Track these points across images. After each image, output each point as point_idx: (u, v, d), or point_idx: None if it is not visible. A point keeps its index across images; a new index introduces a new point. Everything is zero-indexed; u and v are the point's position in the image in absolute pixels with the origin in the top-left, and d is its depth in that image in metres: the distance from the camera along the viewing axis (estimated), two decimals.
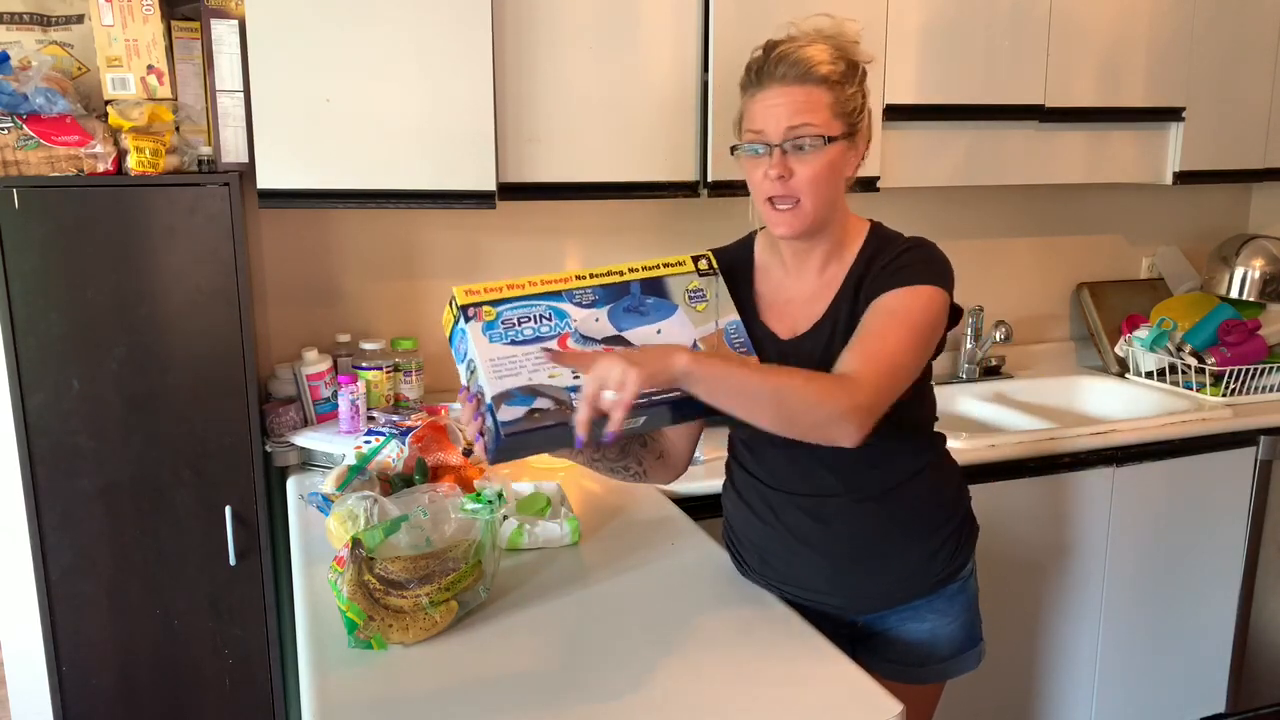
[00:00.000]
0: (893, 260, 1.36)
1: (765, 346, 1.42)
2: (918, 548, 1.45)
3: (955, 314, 1.39)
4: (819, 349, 1.37)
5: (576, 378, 1.24)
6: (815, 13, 1.39)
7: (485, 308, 1.27)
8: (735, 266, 1.48)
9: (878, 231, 1.43)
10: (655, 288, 1.36)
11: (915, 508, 1.44)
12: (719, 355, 1.31)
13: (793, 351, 1.39)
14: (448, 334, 1.30)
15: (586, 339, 1.29)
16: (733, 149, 1.40)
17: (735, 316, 1.40)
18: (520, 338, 1.26)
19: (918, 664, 1.50)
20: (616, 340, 1.31)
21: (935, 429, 1.52)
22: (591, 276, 1.33)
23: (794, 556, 1.46)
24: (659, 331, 1.33)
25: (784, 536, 1.46)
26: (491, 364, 1.23)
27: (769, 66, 1.33)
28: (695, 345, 1.34)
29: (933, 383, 1.48)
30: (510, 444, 1.22)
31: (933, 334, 1.34)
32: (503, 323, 1.27)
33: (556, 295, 1.31)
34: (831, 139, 1.32)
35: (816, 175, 1.32)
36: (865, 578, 1.46)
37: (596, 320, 1.31)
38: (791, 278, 1.45)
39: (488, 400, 1.22)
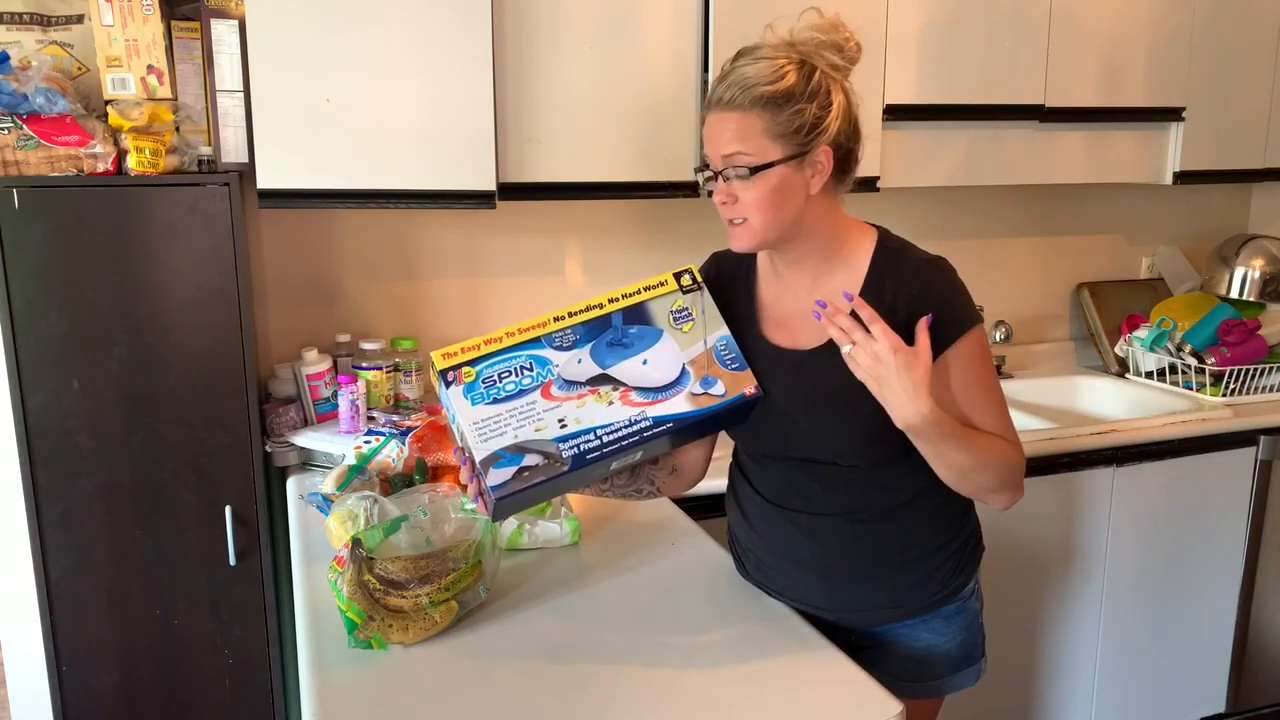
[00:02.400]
0: (919, 305, 1.28)
1: (765, 358, 1.37)
2: (912, 570, 1.41)
3: None
4: (832, 363, 1.31)
5: (563, 426, 1.25)
6: (806, 10, 1.32)
7: (464, 369, 1.26)
8: (737, 273, 1.45)
9: (885, 242, 1.36)
10: (637, 315, 1.32)
11: (912, 530, 1.40)
12: (953, 424, 1.27)
13: (802, 365, 1.35)
14: (438, 393, 1.29)
15: (570, 384, 1.27)
16: (697, 170, 1.37)
17: (725, 331, 1.35)
18: (503, 394, 1.25)
19: (912, 679, 1.47)
20: (602, 379, 1.28)
21: None
22: (570, 315, 1.31)
23: (788, 570, 1.45)
24: (645, 362, 1.30)
25: (778, 549, 1.45)
26: (475, 427, 1.23)
27: (715, 88, 1.30)
28: (684, 370, 1.31)
29: None
30: (505, 505, 1.23)
31: (993, 368, 1.37)
32: (483, 382, 1.25)
33: (535, 342, 1.28)
34: (763, 166, 1.26)
35: (759, 200, 1.27)
36: (857, 595, 1.43)
37: (579, 362, 1.29)
38: (789, 289, 1.40)
39: (477, 464, 1.22)
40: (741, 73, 1.27)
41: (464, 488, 1.30)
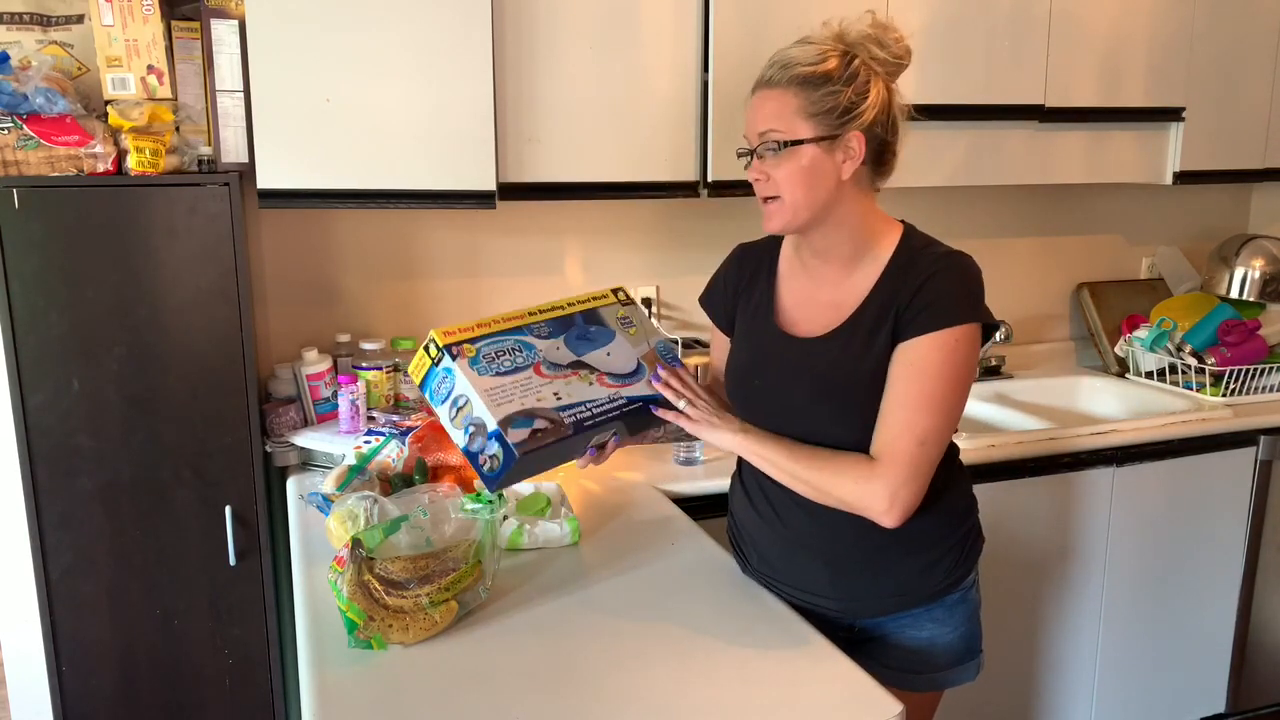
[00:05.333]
0: (919, 290, 1.33)
1: (776, 345, 1.43)
2: (918, 557, 1.44)
3: (987, 330, 1.39)
4: (836, 351, 1.37)
5: (559, 398, 1.36)
6: (865, 12, 1.37)
7: (465, 345, 1.35)
8: (760, 265, 1.51)
9: (909, 238, 1.41)
10: (593, 318, 1.49)
11: (920, 518, 1.38)
12: (762, 438, 1.40)
13: (810, 352, 1.40)
14: (419, 379, 1.37)
15: (556, 366, 1.40)
16: (739, 154, 1.43)
17: (662, 337, 1.53)
18: (503, 369, 1.35)
19: (914, 671, 1.49)
20: (579, 365, 1.42)
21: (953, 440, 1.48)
22: (541, 312, 1.45)
23: (794, 557, 1.46)
24: (609, 354, 1.45)
25: (785, 536, 1.46)
26: (488, 394, 1.31)
27: (762, 71, 1.36)
28: (639, 365, 1.46)
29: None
30: (521, 464, 1.30)
31: (966, 377, 1.34)
32: (483, 357, 1.35)
33: (519, 330, 1.41)
34: (794, 142, 1.32)
35: (788, 177, 1.33)
36: (864, 583, 1.45)
37: (558, 349, 1.42)
38: (814, 280, 1.44)
39: (492, 427, 1.29)
40: (786, 54, 1.34)
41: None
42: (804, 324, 1.43)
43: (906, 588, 1.45)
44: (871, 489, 1.31)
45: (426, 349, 1.35)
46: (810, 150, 1.32)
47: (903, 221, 1.43)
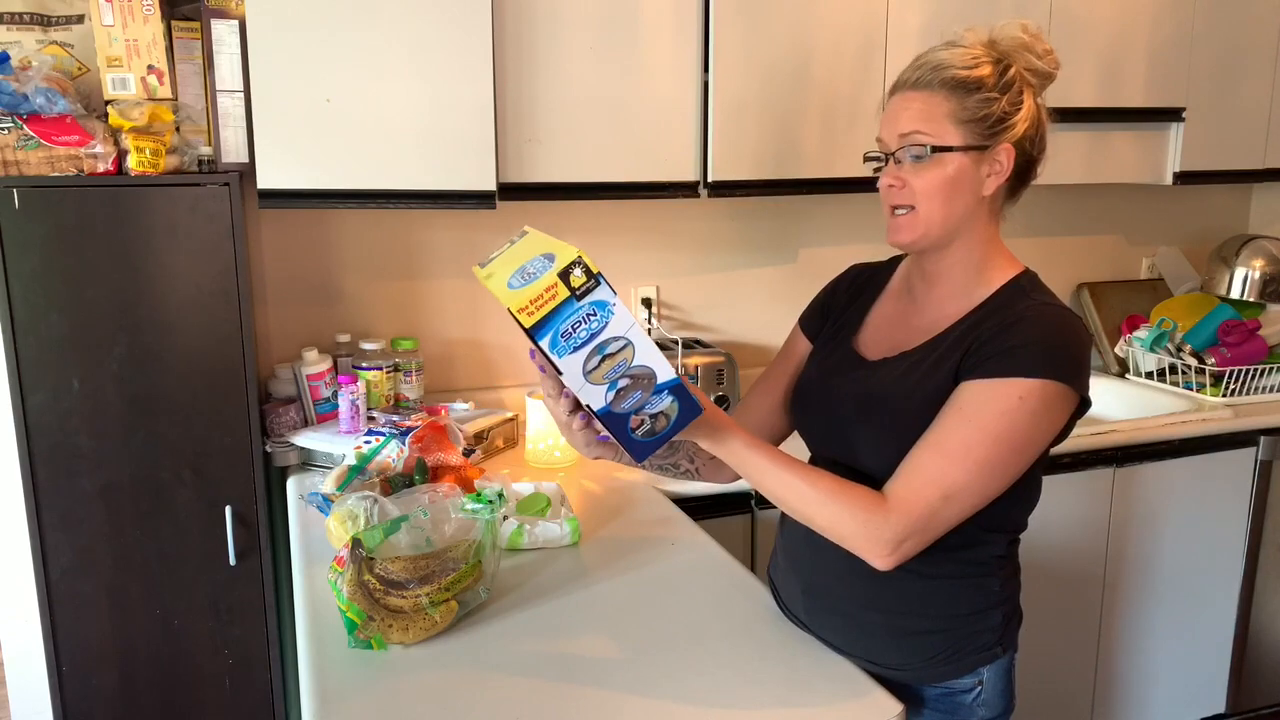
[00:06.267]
0: (1002, 330, 1.18)
1: (844, 366, 1.33)
2: (898, 619, 1.27)
3: (1082, 404, 1.20)
4: (893, 375, 1.25)
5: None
6: (1009, 22, 1.27)
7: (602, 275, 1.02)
8: (866, 286, 1.41)
9: (1023, 280, 1.28)
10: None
11: (927, 583, 1.25)
12: (752, 443, 1.19)
13: (870, 373, 1.29)
14: (537, 319, 1.03)
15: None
16: (866, 158, 1.30)
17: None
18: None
19: None
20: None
21: (1011, 539, 1.31)
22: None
23: (790, 574, 1.38)
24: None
25: (786, 549, 1.40)
26: (648, 338, 1.05)
27: (905, 72, 1.25)
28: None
29: (1042, 478, 1.29)
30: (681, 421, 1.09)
31: (1026, 441, 1.16)
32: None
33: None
34: (944, 148, 1.20)
35: (930, 186, 1.21)
36: (836, 627, 1.31)
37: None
38: (912, 304, 1.32)
39: (669, 377, 1.06)
40: (935, 56, 1.23)
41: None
42: (879, 346, 1.31)
43: (876, 652, 1.28)
44: (874, 525, 1.14)
45: (566, 276, 1.01)
46: (957, 159, 1.21)
47: (1028, 268, 1.30)
